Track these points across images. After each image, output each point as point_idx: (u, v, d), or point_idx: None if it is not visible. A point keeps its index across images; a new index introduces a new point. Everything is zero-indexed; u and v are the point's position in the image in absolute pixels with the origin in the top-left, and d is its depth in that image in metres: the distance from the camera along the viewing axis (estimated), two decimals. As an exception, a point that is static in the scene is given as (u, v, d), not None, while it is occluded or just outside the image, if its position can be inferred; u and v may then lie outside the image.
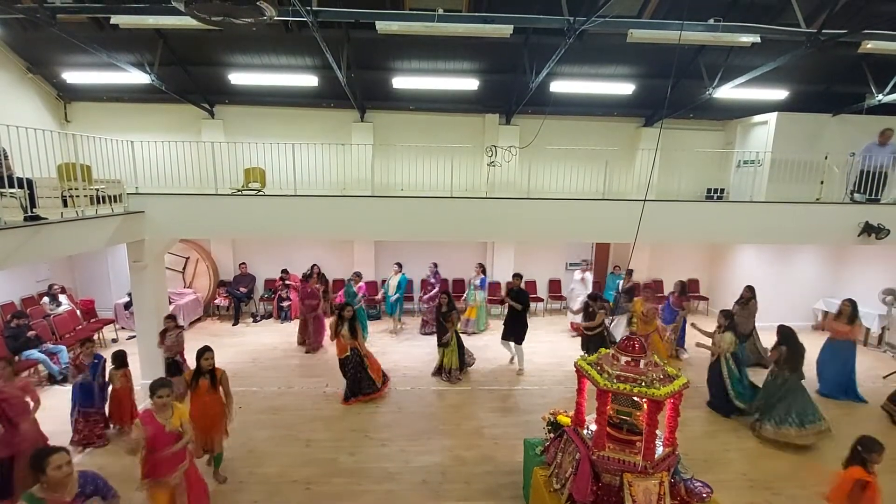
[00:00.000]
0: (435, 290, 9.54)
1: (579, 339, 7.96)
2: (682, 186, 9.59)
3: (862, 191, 7.74)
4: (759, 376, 6.49)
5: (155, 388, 3.82)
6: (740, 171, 10.19)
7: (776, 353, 5.87)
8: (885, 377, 7.31)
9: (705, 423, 6.25)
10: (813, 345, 8.89)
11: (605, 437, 3.57)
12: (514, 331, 7.59)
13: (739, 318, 6.65)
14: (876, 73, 8.62)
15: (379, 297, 10.32)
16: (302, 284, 9.22)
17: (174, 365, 6.30)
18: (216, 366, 4.79)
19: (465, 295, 9.96)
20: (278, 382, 7.29)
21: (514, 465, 5.07)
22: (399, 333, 9.66)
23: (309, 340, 8.71)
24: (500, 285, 10.86)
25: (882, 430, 6.03)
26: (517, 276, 7.97)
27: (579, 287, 9.71)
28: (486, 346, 8.73)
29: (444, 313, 7.25)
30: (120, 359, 5.78)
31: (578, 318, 7.97)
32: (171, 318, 6.54)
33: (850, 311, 6.86)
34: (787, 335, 5.87)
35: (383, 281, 10.24)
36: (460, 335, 7.66)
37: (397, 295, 9.63)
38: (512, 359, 8.02)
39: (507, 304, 7.59)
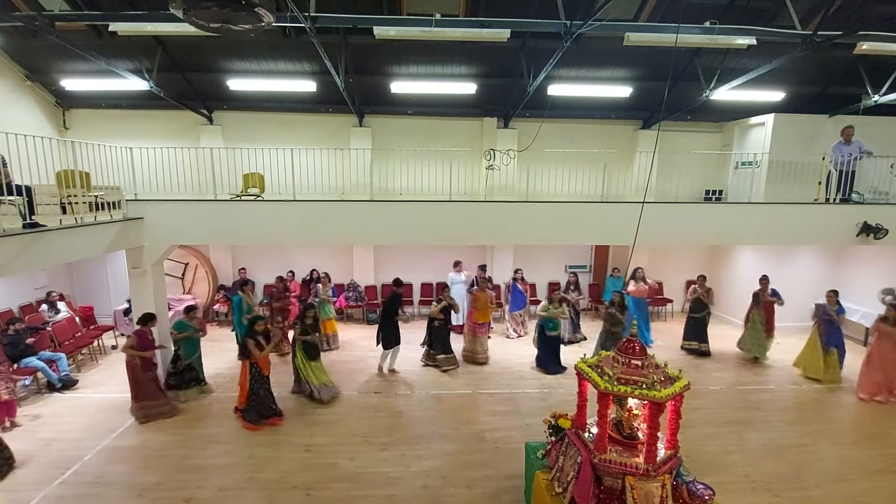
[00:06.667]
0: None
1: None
2: (680, 188, 9.61)
3: (844, 192, 7.84)
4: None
5: None
6: (738, 172, 10.22)
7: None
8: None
9: (707, 426, 6.24)
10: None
11: (606, 440, 3.56)
12: (379, 336, 7.61)
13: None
14: (872, 74, 8.68)
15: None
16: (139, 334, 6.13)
17: None
18: None
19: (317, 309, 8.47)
20: (277, 387, 7.18)
21: (516, 470, 5.05)
22: None
23: (154, 403, 6.22)
24: (501, 288, 10.85)
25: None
26: (396, 281, 7.84)
27: (461, 287, 9.60)
28: (487, 349, 8.70)
29: (306, 324, 6.85)
30: None
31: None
32: None
33: (642, 275, 9.28)
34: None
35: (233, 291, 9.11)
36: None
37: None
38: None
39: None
